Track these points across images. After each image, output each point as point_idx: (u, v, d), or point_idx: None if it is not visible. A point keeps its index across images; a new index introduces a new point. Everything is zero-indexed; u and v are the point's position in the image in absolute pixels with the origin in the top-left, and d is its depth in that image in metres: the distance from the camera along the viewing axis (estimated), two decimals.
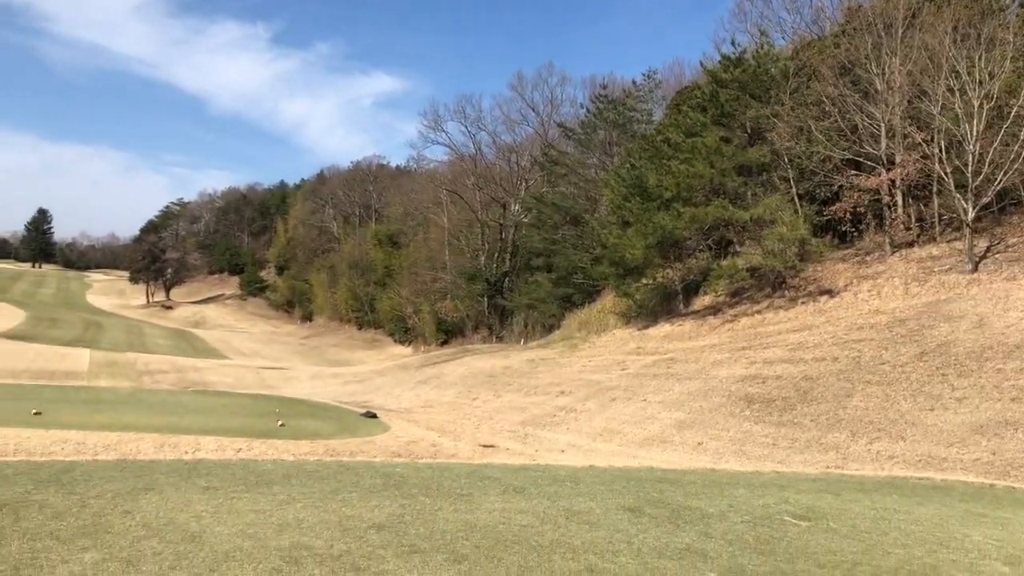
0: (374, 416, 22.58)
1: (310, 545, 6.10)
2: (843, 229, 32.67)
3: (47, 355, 50.79)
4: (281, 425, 18.74)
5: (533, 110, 70.06)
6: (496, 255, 66.60)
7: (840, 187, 31.41)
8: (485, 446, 18.72)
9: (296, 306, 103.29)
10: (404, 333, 72.42)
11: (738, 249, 34.99)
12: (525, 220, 63.24)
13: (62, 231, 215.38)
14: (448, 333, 65.15)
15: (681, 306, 36.60)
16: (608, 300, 43.86)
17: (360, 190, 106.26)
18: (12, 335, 63.59)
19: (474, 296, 64.45)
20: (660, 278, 38.04)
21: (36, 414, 17.22)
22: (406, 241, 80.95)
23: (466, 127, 79.75)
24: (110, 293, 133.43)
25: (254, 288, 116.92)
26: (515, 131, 72.76)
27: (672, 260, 37.16)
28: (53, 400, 20.66)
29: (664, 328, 34.82)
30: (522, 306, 55.71)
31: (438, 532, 6.82)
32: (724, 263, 33.70)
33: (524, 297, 55.04)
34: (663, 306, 37.84)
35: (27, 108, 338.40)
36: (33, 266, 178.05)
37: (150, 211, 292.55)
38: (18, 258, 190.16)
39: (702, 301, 35.80)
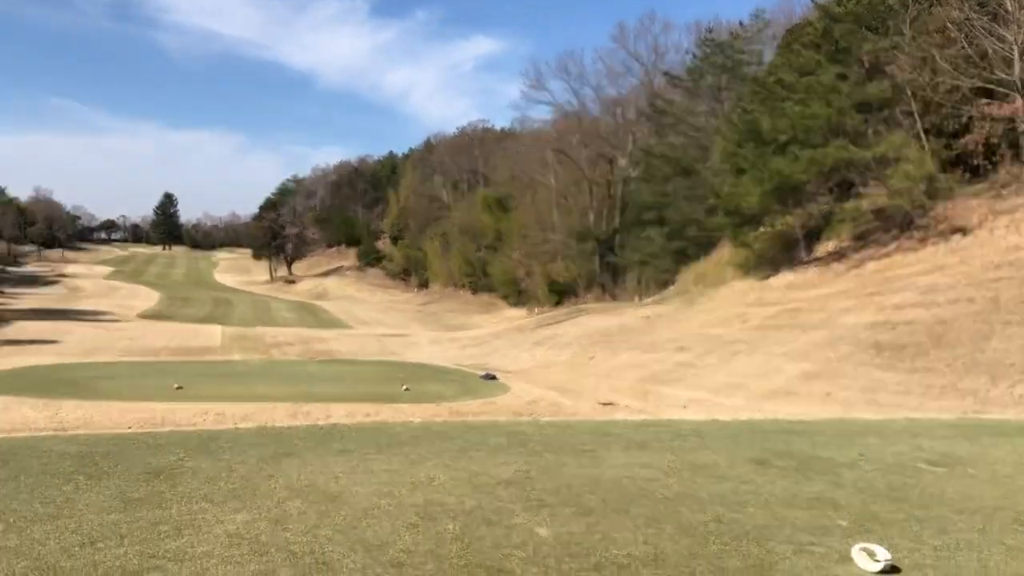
0: (494, 378, 22.96)
1: (443, 501, 6.32)
2: (975, 163, 30.82)
3: (183, 332, 53.76)
4: (406, 389, 19.30)
5: (637, 61, 68.40)
6: (605, 212, 65.96)
7: (970, 118, 29.59)
8: (605, 404, 18.80)
9: (412, 274, 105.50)
10: (517, 296, 72.92)
11: (861, 191, 33.61)
12: (634, 174, 62.29)
13: (187, 213, 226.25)
14: (561, 294, 65.16)
15: (803, 253, 35.50)
16: (725, 251, 42.94)
17: (467, 156, 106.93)
18: (150, 315, 67.61)
19: (585, 255, 64.14)
20: (779, 226, 36.93)
21: (178, 388, 18.33)
22: (514, 204, 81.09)
23: (569, 84, 78.63)
24: (235, 270, 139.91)
25: (371, 259, 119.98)
26: (619, 84, 71.38)
27: (791, 206, 35.98)
28: (192, 375, 21.91)
29: (786, 277, 33.90)
30: (635, 263, 55.10)
31: (564, 487, 6.93)
32: (847, 206, 32.45)
33: (636, 253, 54.40)
34: (783, 254, 36.78)
35: (149, 97, 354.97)
36: (163, 248, 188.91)
37: (267, 189, 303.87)
38: (149, 241, 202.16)
39: (825, 247, 34.62)
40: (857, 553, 5.20)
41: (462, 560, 4.99)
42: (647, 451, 8.81)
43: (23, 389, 17.24)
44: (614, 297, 57.62)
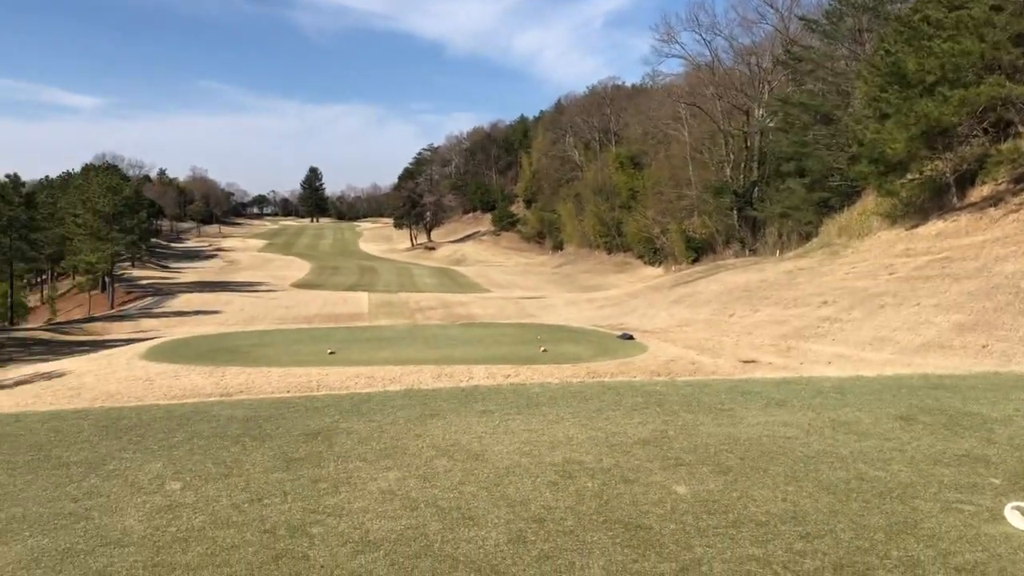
0: (631, 338, 22.94)
1: (581, 460, 6.53)
2: None
3: (333, 300, 56.41)
4: (544, 351, 19.60)
5: (771, 6, 65.65)
6: (742, 165, 64.14)
7: None
8: (745, 361, 18.51)
9: (546, 237, 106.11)
10: (653, 254, 72.22)
11: (1021, 129, 31.25)
12: (771, 125, 60.15)
13: (331, 186, 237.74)
14: (698, 251, 64.09)
15: (954, 200, 33.45)
16: (869, 201, 41.02)
17: (598, 115, 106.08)
18: (302, 284, 71.22)
19: (722, 210, 62.72)
20: (928, 171, 34.88)
21: (331, 353, 19.29)
22: (647, 161, 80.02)
23: (700, 35, 77.02)
24: (378, 239, 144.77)
25: (506, 223, 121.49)
26: (753, 31, 68.91)
27: (940, 150, 33.88)
28: (343, 340, 22.93)
29: (936, 225, 32.10)
30: (774, 216, 53.44)
31: (701, 446, 7.01)
32: (1004, 147, 30.20)
33: (776, 206, 52.73)
34: (933, 202, 34.77)
35: (289, 75, 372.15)
36: (311, 220, 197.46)
37: (404, 159, 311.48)
38: (298, 214, 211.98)
39: (979, 192, 32.48)
40: (1010, 512, 5.06)
41: (601, 516, 5.19)
42: (786, 409, 8.73)
43: (191, 357, 18.57)
44: (754, 252, 56.22)
